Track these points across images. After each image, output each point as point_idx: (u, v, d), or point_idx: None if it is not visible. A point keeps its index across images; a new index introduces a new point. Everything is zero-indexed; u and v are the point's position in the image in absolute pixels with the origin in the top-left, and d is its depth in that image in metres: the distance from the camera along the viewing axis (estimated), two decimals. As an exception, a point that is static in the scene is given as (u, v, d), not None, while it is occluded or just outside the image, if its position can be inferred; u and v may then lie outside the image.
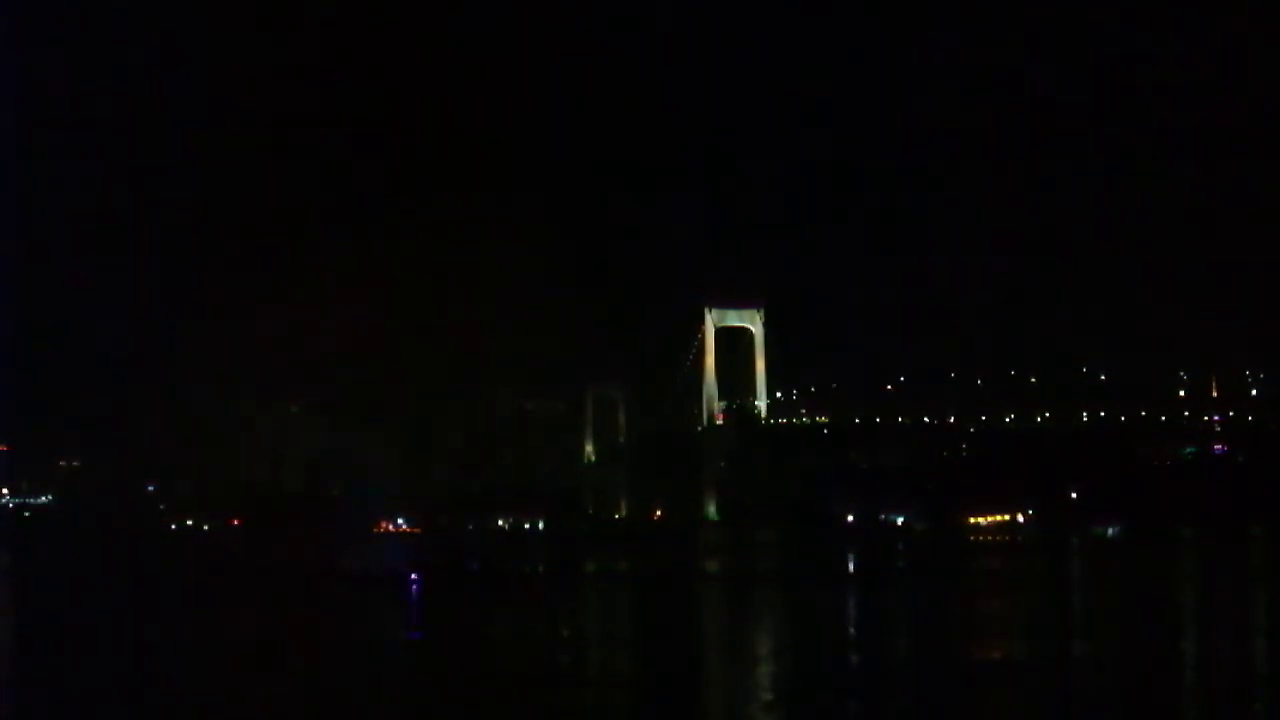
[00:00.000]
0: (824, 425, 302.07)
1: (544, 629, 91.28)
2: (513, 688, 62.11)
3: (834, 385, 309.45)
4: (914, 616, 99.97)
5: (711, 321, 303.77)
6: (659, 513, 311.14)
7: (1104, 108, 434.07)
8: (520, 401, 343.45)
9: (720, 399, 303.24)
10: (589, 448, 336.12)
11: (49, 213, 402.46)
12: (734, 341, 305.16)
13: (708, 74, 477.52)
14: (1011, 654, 74.77)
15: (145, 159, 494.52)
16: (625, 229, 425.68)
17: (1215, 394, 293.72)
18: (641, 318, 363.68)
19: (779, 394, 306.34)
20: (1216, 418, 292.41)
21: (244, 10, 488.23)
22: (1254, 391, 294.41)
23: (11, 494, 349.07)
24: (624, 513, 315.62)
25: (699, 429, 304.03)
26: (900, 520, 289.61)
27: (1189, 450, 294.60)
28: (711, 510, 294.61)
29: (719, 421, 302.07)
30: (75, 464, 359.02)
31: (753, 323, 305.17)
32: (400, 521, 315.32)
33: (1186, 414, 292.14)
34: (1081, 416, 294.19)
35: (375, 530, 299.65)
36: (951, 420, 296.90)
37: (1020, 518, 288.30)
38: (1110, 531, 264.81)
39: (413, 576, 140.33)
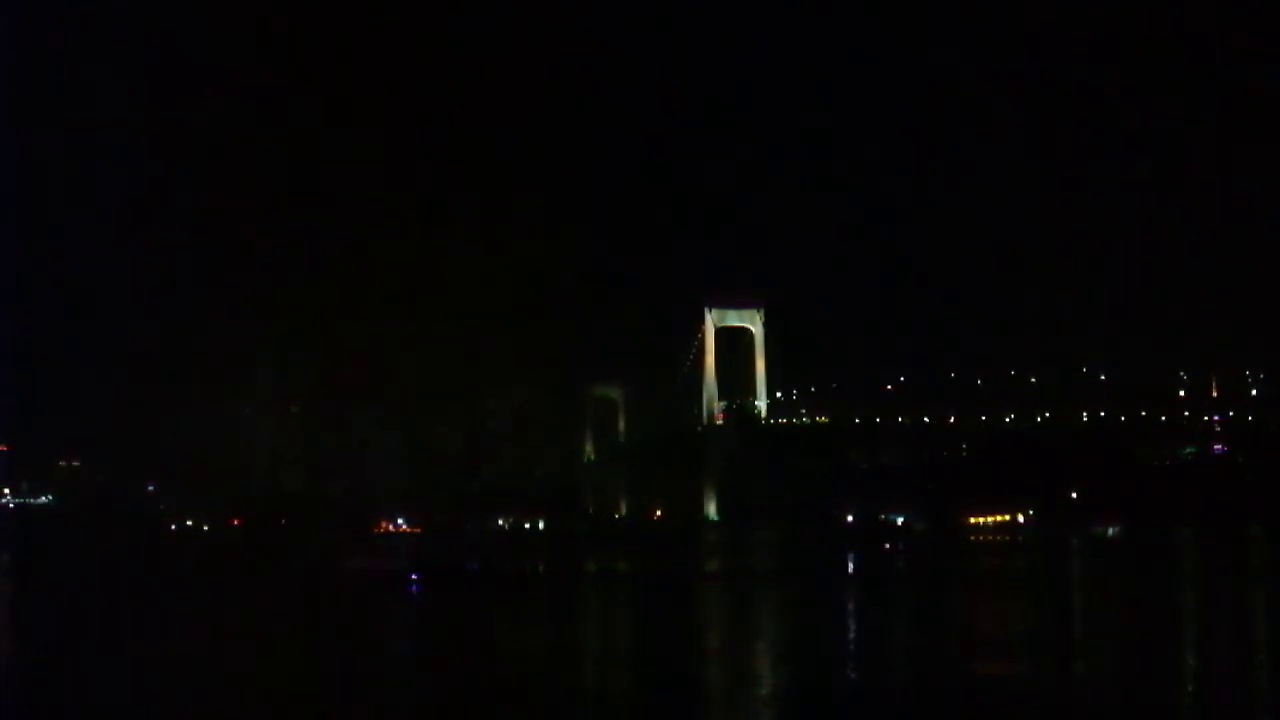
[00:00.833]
0: (824, 425, 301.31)
1: (544, 634, 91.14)
2: (512, 697, 62.04)
3: (834, 385, 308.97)
4: (911, 621, 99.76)
5: (711, 321, 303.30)
6: (659, 513, 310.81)
7: (1104, 109, 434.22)
8: (520, 401, 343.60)
9: (720, 399, 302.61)
10: (589, 448, 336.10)
11: (50, 214, 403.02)
12: (734, 341, 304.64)
13: (708, 74, 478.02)
14: (1012, 658, 74.67)
15: (145, 161, 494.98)
16: (625, 229, 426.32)
17: (1215, 394, 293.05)
18: (641, 318, 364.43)
19: (779, 394, 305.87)
20: (1216, 418, 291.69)
21: (247, 12, 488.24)
22: (1254, 391, 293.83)
23: (12, 494, 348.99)
24: (624, 513, 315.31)
25: (699, 429, 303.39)
26: (900, 520, 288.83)
27: (1189, 450, 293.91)
28: (711, 510, 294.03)
29: (719, 421, 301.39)
30: (75, 464, 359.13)
31: (753, 323, 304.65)
32: (400, 521, 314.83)
33: (1186, 414, 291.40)
34: (1081, 416, 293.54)
35: (375, 530, 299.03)
36: (951, 420, 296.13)
37: (1020, 518, 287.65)
38: (1110, 531, 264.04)
39: (413, 576, 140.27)
